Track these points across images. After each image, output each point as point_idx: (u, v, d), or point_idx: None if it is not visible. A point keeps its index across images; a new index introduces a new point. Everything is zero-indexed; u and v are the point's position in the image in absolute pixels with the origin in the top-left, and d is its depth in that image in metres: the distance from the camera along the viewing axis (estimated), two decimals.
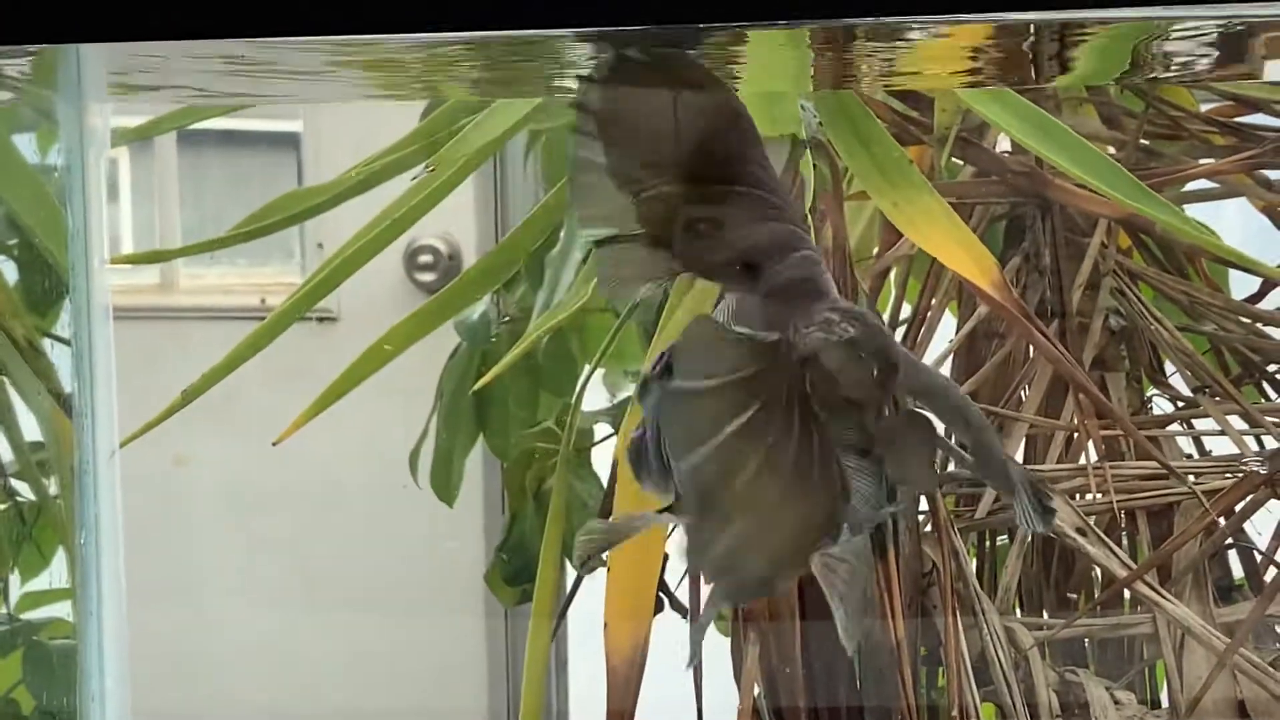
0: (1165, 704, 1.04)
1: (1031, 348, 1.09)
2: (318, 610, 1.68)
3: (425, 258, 1.80)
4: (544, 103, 0.89)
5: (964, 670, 0.94)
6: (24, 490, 1.24)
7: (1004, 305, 0.83)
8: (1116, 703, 0.99)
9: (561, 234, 1.31)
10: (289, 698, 1.65)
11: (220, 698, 1.60)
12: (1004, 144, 1.10)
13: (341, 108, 1.61)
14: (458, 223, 1.78)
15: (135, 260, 0.91)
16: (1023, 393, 1.09)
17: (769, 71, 0.81)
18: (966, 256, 0.85)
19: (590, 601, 0.99)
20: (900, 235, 1.10)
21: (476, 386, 1.22)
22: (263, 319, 1.90)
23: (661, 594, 0.95)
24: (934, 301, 1.07)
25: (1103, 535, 0.98)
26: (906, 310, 1.12)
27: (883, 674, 0.95)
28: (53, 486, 1.17)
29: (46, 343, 1.06)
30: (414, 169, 1.09)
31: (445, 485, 1.43)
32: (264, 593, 1.69)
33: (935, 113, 0.94)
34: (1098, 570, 1.09)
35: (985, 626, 0.96)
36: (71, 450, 0.92)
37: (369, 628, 1.66)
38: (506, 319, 1.46)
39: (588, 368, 1.42)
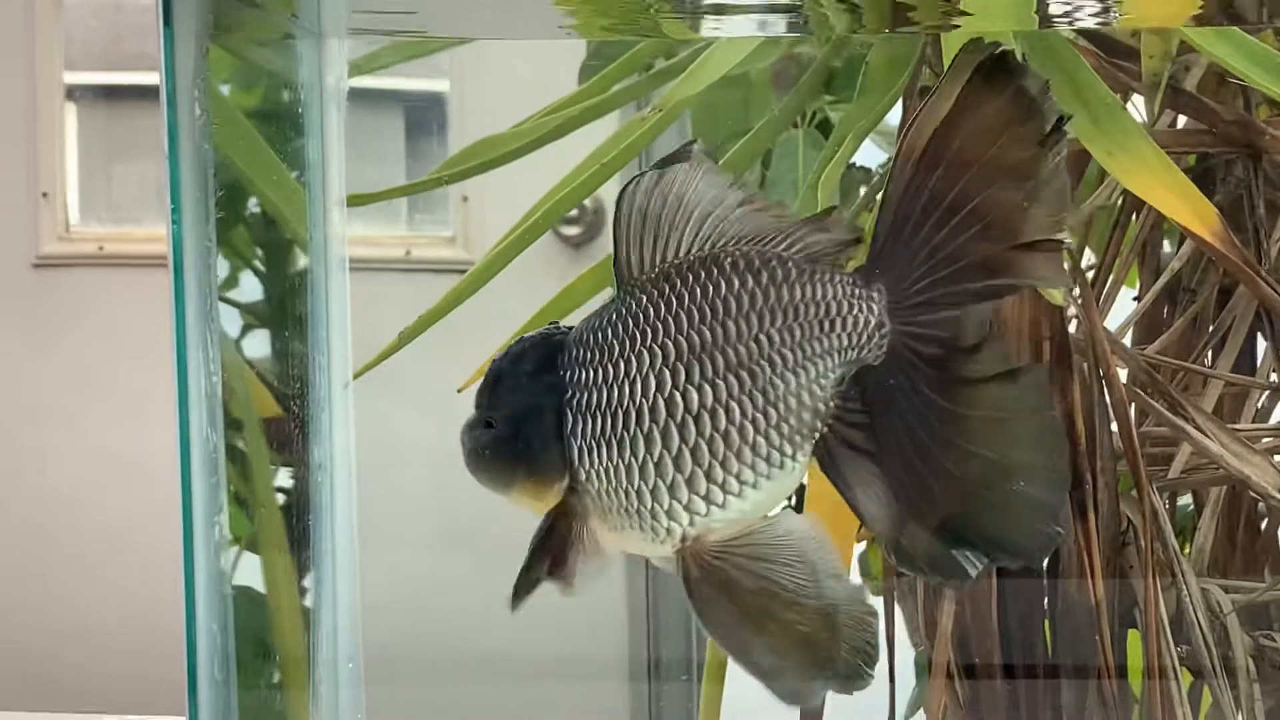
0: None
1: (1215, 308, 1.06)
2: (463, 562, 1.68)
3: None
4: (765, 43, 0.88)
5: (1163, 632, 0.92)
6: None
7: (1227, 256, 0.81)
8: None
9: None
10: (436, 645, 1.66)
11: (366, 645, 1.60)
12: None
13: (489, 68, 1.60)
14: None
15: (370, 200, 0.90)
16: (1207, 357, 1.07)
17: (989, 7, 0.79)
18: (1185, 206, 0.83)
19: None
20: (1075, 185, 1.07)
21: None
22: (408, 271, 1.89)
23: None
24: (1121, 251, 1.05)
25: None
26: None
27: (1079, 633, 0.93)
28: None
29: None
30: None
31: None
32: (411, 543, 1.69)
33: (1142, 59, 0.91)
34: None
35: (1184, 588, 0.93)
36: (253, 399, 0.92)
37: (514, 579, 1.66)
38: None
39: None
